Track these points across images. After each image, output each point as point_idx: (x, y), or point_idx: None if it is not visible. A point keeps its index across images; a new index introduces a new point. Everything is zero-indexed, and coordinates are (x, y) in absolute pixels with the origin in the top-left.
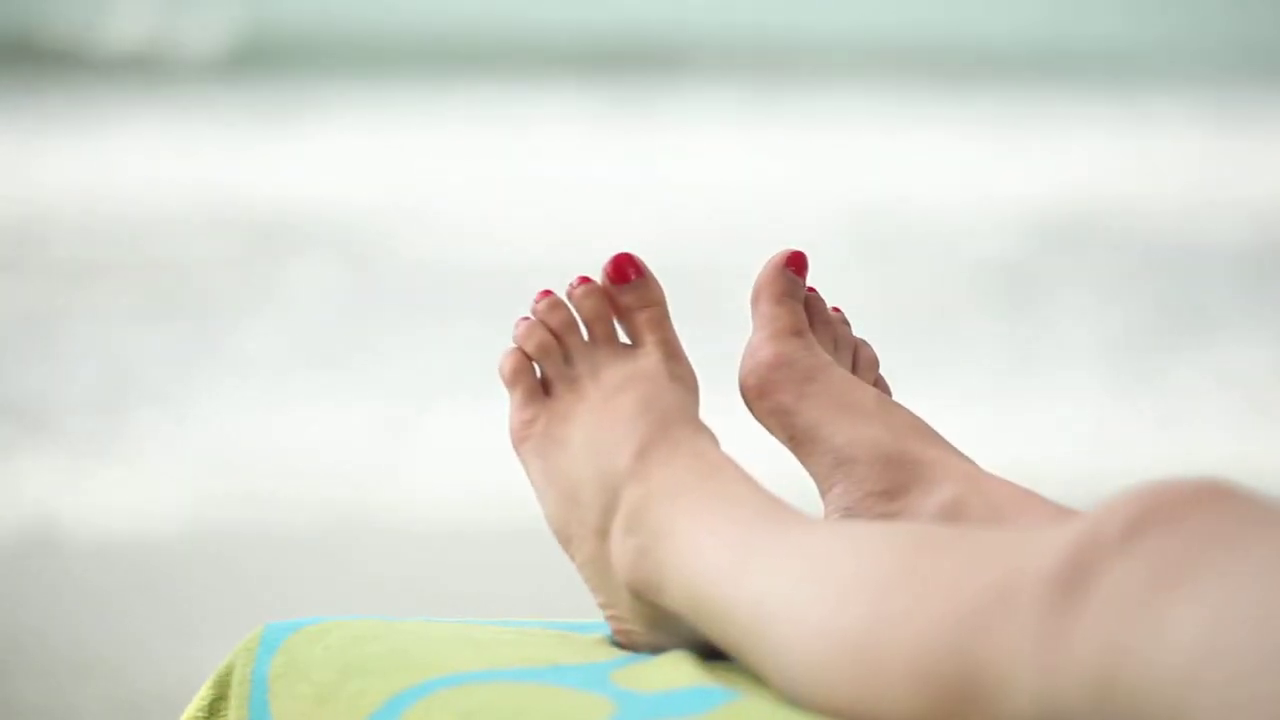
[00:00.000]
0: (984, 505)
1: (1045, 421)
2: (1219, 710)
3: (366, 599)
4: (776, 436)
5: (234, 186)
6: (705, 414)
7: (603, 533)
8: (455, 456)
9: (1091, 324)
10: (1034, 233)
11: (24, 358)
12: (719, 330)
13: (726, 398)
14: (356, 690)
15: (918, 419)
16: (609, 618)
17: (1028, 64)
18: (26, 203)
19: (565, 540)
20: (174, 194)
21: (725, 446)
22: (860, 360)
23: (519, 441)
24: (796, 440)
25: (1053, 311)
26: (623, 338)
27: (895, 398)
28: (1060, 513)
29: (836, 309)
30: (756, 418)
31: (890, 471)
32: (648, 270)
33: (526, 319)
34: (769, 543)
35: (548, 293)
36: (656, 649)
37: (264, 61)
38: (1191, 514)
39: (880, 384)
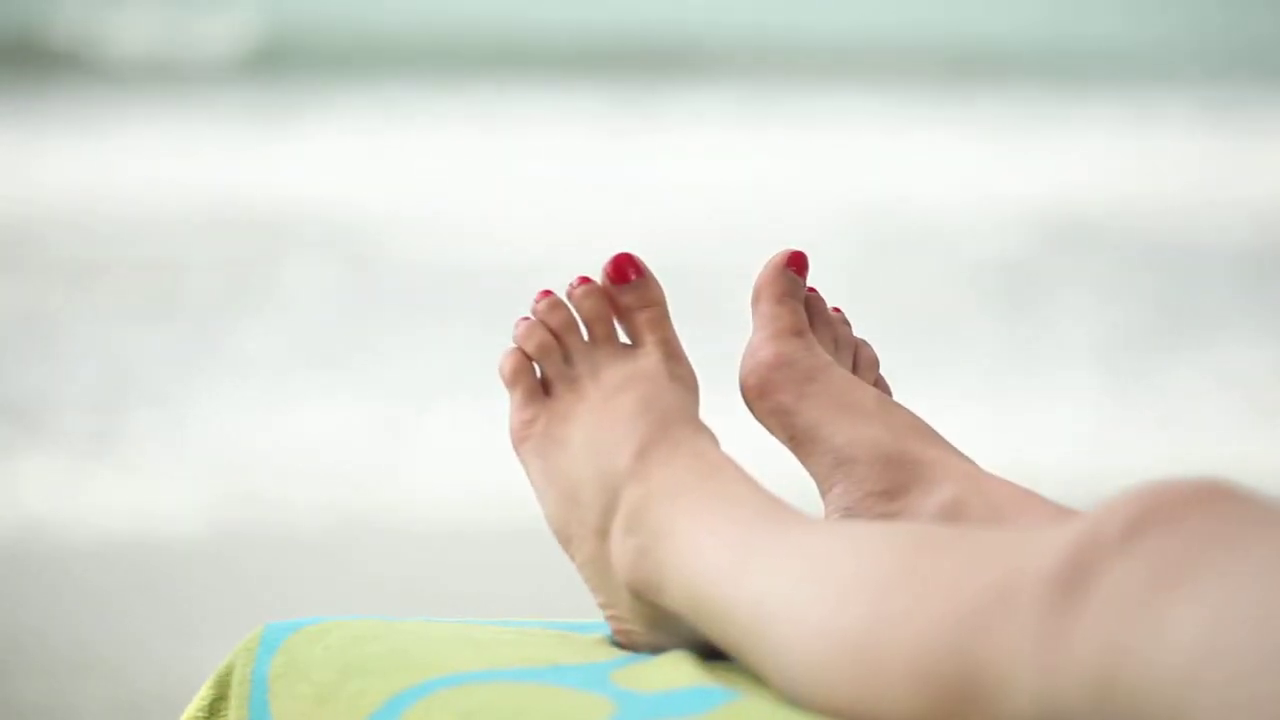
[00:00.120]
0: (984, 505)
1: (1045, 421)
2: (1219, 710)
3: (366, 599)
4: (777, 436)
5: (234, 186)
6: (705, 414)
7: (603, 533)
8: (455, 456)
9: (1091, 324)
10: (1034, 233)
11: (24, 358)
12: (719, 330)
13: (726, 398)
14: (356, 690)
15: (918, 419)
16: (609, 618)
17: (1028, 64)
18: (26, 203)
19: (565, 540)
20: (174, 194)
21: (725, 446)
22: (860, 360)
23: (519, 441)
24: (797, 440)
25: (1052, 312)
26: (623, 338)
27: (895, 398)
28: (1060, 513)
29: (837, 309)
30: (757, 418)
31: (890, 471)
32: (648, 270)
33: (526, 319)
34: (769, 543)
35: (548, 293)
36: (656, 649)
37: (264, 62)
38: (1191, 514)
39: (880, 384)
